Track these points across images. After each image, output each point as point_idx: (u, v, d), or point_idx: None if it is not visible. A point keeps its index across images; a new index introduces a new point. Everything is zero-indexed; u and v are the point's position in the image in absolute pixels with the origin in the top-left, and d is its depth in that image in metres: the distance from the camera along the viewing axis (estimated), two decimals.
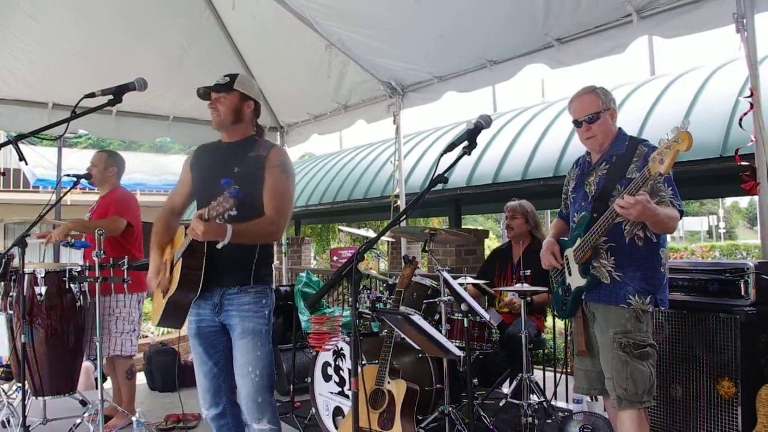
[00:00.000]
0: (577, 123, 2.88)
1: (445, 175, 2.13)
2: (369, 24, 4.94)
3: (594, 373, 2.86)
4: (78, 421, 3.88)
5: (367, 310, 4.14)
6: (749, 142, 3.27)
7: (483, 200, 9.14)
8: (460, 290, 3.51)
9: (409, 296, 3.87)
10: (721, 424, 2.97)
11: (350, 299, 2.21)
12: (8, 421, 3.85)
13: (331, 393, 3.91)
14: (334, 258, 13.18)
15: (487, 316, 3.66)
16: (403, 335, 2.90)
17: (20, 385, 3.38)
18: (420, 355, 3.83)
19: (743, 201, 44.70)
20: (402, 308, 3.71)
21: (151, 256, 2.83)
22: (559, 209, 3.27)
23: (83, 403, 4.04)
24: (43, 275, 3.73)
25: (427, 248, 3.86)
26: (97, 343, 3.64)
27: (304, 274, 5.88)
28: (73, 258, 5.93)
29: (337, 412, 3.85)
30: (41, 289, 3.72)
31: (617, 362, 2.66)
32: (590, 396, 3.58)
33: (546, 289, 3.51)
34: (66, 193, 4.67)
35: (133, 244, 4.21)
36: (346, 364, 3.83)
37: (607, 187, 2.76)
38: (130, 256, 3.85)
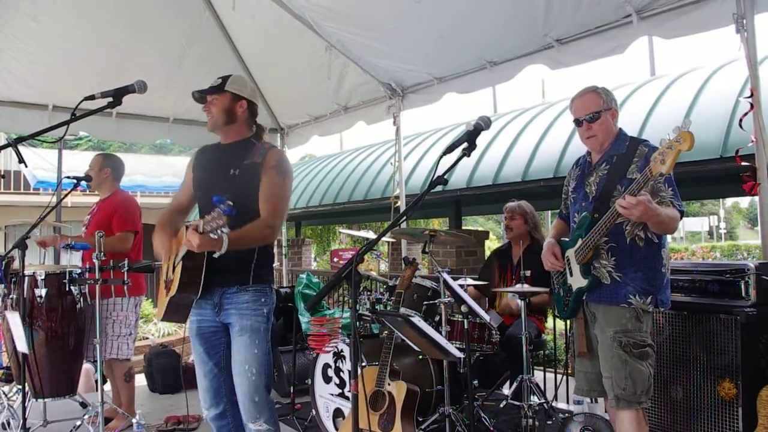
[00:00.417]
0: (577, 122, 2.89)
1: (445, 176, 2.13)
2: (369, 25, 4.94)
3: (594, 375, 2.86)
4: (78, 423, 3.89)
5: (367, 312, 4.14)
6: (749, 143, 3.26)
7: (483, 201, 9.13)
8: (460, 292, 3.51)
9: (410, 298, 3.87)
10: (721, 426, 2.96)
11: (350, 301, 2.20)
12: (8, 423, 3.85)
13: (332, 395, 3.90)
14: (335, 259, 13.18)
15: (487, 317, 3.66)
16: (403, 337, 2.89)
17: (20, 387, 3.38)
18: (420, 357, 3.82)
19: (744, 201, 44.73)
20: (402, 310, 3.71)
21: (156, 236, 2.81)
22: (559, 210, 3.27)
23: (83, 405, 4.04)
24: (43, 277, 3.74)
25: (427, 249, 3.86)
26: (97, 345, 3.64)
27: (304, 276, 5.87)
28: (73, 260, 5.93)
29: (338, 413, 3.85)
30: (41, 291, 3.72)
31: (617, 361, 2.66)
32: (590, 398, 3.57)
33: (546, 289, 3.51)
34: (66, 195, 4.68)
35: (132, 248, 4.21)
36: (347, 366, 3.83)
37: (607, 187, 2.76)
38: (129, 258, 3.85)
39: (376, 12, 4.77)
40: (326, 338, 3.84)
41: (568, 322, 3.19)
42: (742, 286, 2.99)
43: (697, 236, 40.92)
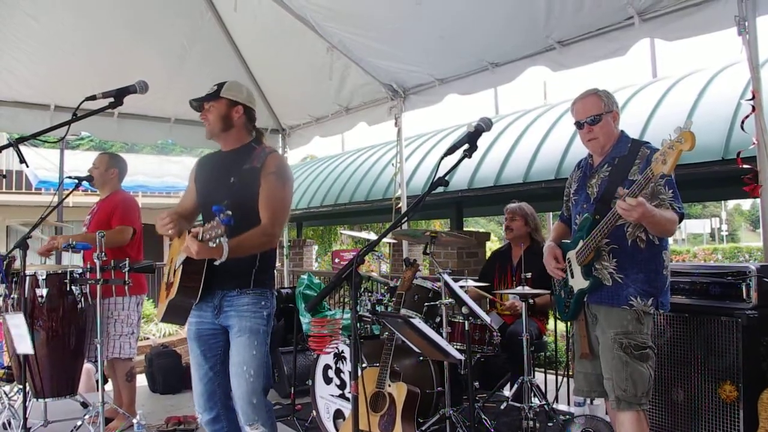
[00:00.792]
0: (578, 124, 2.89)
1: (446, 178, 2.13)
2: (370, 26, 4.94)
3: (594, 376, 2.86)
4: (79, 423, 3.88)
5: (367, 313, 4.14)
6: (751, 145, 3.26)
7: (484, 203, 9.14)
8: (461, 293, 3.50)
9: (410, 299, 3.86)
10: (722, 428, 2.96)
11: (351, 302, 2.20)
12: (9, 423, 3.85)
13: (332, 396, 3.90)
14: (336, 260, 13.19)
15: (488, 319, 3.66)
16: (403, 338, 2.89)
17: (21, 387, 3.38)
18: (421, 358, 3.82)
19: (746, 203, 44.68)
20: (403, 311, 3.71)
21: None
22: (560, 212, 3.26)
23: (84, 405, 4.04)
24: (44, 277, 3.74)
25: (428, 251, 3.86)
26: (98, 345, 3.64)
27: (305, 277, 5.88)
28: (74, 260, 5.93)
29: (338, 414, 3.85)
30: (42, 291, 3.72)
31: (617, 363, 2.66)
32: (590, 398, 3.57)
33: (546, 291, 3.51)
34: (68, 195, 4.69)
35: (132, 247, 4.21)
36: (347, 367, 3.82)
37: (609, 189, 2.76)
38: (130, 258, 3.85)
39: (377, 13, 4.77)
40: (327, 339, 3.84)
41: (569, 323, 3.19)
42: (744, 289, 2.98)
43: (699, 238, 40.90)
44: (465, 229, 11.42)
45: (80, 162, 12.12)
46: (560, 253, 2.95)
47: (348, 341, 3.82)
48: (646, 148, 2.75)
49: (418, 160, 9.44)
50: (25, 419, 3.26)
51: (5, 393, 4.12)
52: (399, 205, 5.85)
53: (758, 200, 3.27)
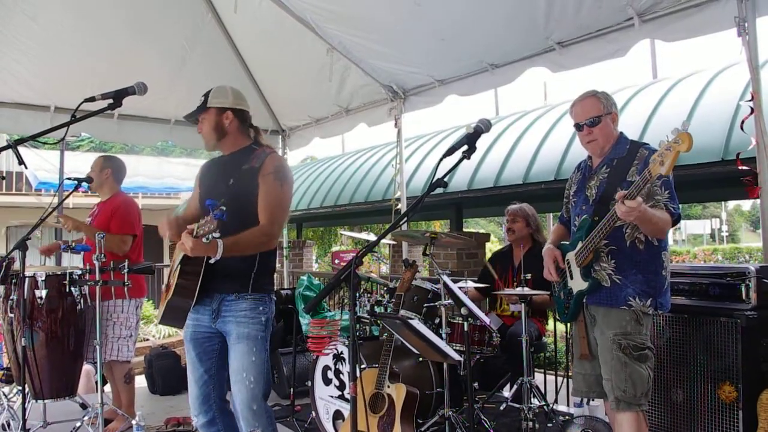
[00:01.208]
0: (578, 126, 2.89)
1: (445, 179, 2.12)
2: (370, 27, 4.94)
3: (593, 377, 2.86)
4: (78, 424, 3.89)
5: (366, 315, 4.14)
6: (750, 146, 3.26)
7: (484, 204, 9.14)
8: (461, 294, 3.50)
9: (410, 300, 3.86)
10: (722, 429, 2.95)
11: (349, 303, 2.20)
12: (8, 425, 3.84)
13: (331, 397, 3.90)
14: (336, 261, 13.20)
15: (487, 320, 3.66)
16: (402, 340, 2.89)
17: (20, 388, 3.37)
18: (420, 359, 3.82)
19: (746, 204, 44.68)
20: (402, 312, 3.71)
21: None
22: (560, 214, 3.26)
23: (83, 406, 4.04)
24: (43, 278, 3.74)
25: (428, 252, 3.86)
26: (97, 347, 3.64)
27: (305, 278, 5.88)
28: (74, 262, 5.93)
29: (338, 415, 3.85)
30: (42, 293, 3.72)
31: (616, 363, 2.66)
32: (588, 398, 3.57)
33: (546, 292, 3.51)
34: (68, 197, 4.69)
35: (132, 250, 4.20)
36: (346, 368, 3.82)
37: (608, 190, 2.76)
38: (129, 260, 3.85)
39: (377, 14, 4.77)
40: (325, 340, 3.84)
41: (569, 324, 3.19)
42: (743, 290, 2.98)
43: (699, 239, 40.90)
44: (465, 230, 11.43)
45: (80, 163, 12.11)
46: (559, 255, 2.95)
47: (347, 342, 3.81)
48: (644, 149, 2.76)
49: (418, 161, 9.44)
50: (25, 420, 3.25)
51: (4, 394, 4.11)
52: (399, 206, 5.85)
53: (758, 201, 3.27)
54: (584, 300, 2.84)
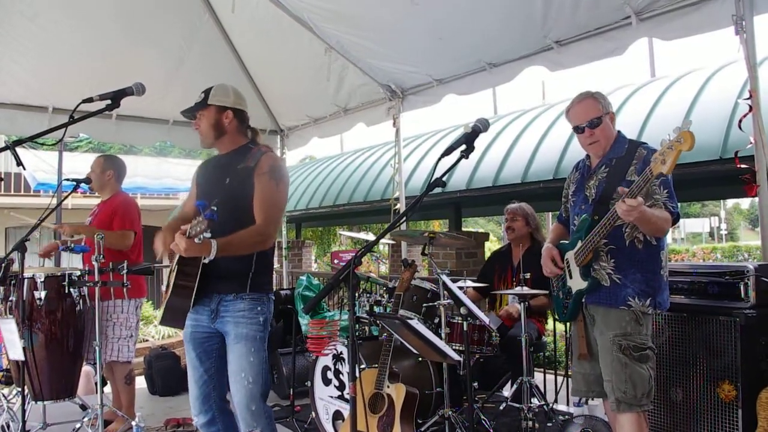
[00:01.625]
0: (578, 129, 2.87)
1: (443, 178, 2.12)
2: (368, 27, 4.94)
3: (592, 376, 2.85)
4: (78, 425, 3.88)
5: (365, 315, 4.13)
6: (748, 144, 3.26)
7: (483, 203, 9.14)
8: (460, 294, 3.50)
9: (409, 300, 3.86)
10: (721, 428, 2.96)
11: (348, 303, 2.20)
12: (8, 426, 3.84)
13: (331, 397, 3.90)
14: (335, 261, 13.19)
15: (486, 319, 3.66)
16: (401, 340, 2.89)
17: (20, 389, 3.37)
18: (420, 359, 3.82)
19: (745, 202, 44.74)
20: (401, 312, 3.71)
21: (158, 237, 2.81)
22: (558, 213, 3.26)
23: (83, 407, 4.03)
24: (42, 280, 3.73)
25: (426, 251, 3.86)
26: (97, 348, 3.64)
27: (304, 278, 5.87)
28: (72, 263, 5.92)
29: (337, 416, 3.85)
30: (41, 294, 3.71)
31: (617, 365, 2.66)
32: (588, 398, 3.57)
33: (545, 292, 3.51)
34: (66, 197, 4.69)
35: (132, 250, 4.20)
36: (346, 368, 3.82)
37: (607, 189, 2.76)
38: (129, 261, 3.85)
39: (375, 13, 4.77)
40: (325, 341, 3.83)
41: (568, 324, 3.19)
42: (742, 288, 2.98)
43: (698, 237, 40.93)
44: (464, 229, 11.43)
45: (79, 164, 12.12)
46: (558, 254, 2.95)
47: (346, 342, 3.81)
48: (643, 148, 2.75)
49: (416, 161, 9.44)
50: (24, 422, 3.25)
51: (4, 396, 4.11)
52: (397, 206, 5.85)
53: (756, 199, 3.27)
54: (583, 299, 2.84)
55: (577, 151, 3.02)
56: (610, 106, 2.87)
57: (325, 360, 3.95)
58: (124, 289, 3.78)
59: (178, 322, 2.76)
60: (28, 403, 3.71)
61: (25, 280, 3.66)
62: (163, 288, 2.84)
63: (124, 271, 3.71)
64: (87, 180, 4.28)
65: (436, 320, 3.82)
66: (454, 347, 3.62)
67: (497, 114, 10.88)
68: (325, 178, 11.82)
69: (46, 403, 3.86)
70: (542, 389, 4.37)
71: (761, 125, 3.23)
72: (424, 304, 3.87)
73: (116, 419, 4.22)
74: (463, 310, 3.41)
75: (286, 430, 4.25)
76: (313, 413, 4.04)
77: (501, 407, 4.10)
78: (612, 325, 2.69)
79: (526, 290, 3.76)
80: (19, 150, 2.42)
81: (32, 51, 5.15)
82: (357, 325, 4.27)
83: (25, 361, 3.37)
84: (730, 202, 43.79)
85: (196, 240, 2.29)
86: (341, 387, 3.84)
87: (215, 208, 2.24)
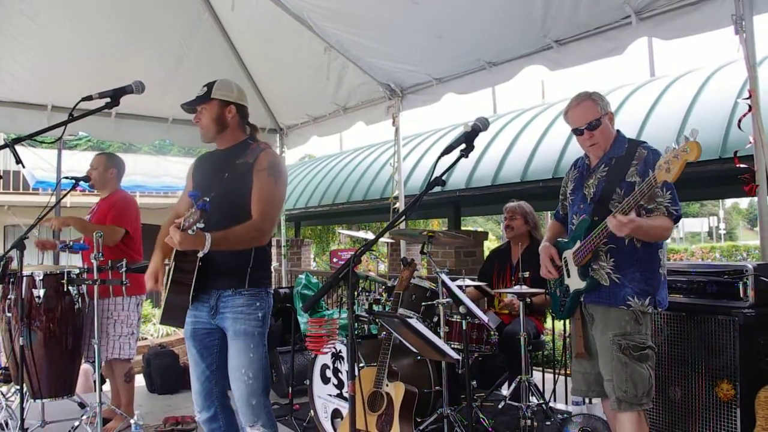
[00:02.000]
0: (578, 131, 2.87)
1: (443, 177, 2.12)
2: (368, 26, 4.94)
3: (592, 376, 2.86)
4: (76, 423, 3.88)
5: (364, 313, 4.13)
6: (748, 144, 3.26)
7: (482, 202, 9.13)
8: (459, 292, 3.50)
9: (408, 298, 3.86)
10: (719, 427, 2.96)
11: (348, 302, 2.20)
12: (6, 424, 3.84)
13: (330, 395, 3.90)
14: (334, 260, 13.18)
15: (485, 318, 3.66)
16: (400, 338, 2.89)
17: (18, 387, 3.37)
18: (418, 357, 3.82)
19: (743, 202, 44.77)
20: (400, 310, 3.71)
21: (152, 257, 2.82)
22: (555, 211, 3.26)
23: (82, 405, 4.04)
24: (41, 278, 3.73)
25: (425, 250, 3.86)
26: (96, 346, 3.64)
27: (303, 276, 5.87)
28: (71, 261, 5.92)
29: (336, 414, 3.85)
30: (40, 292, 3.72)
31: (617, 364, 2.66)
32: (588, 397, 3.58)
33: (544, 290, 3.51)
34: (65, 195, 4.68)
35: (131, 248, 4.20)
36: (345, 367, 3.82)
37: (606, 189, 2.76)
38: (128, 258, 3.85)
39: (374, 12, 4.76)
40: (324, 339, 3.83)
41: (567, 322, 3.19)
42: (741, 287, 2.98)
43: (696, 237, 40.94)
44: (463, 228, 11.43)
45: (78, 162, 12.10)
46: (556, 253, 2.95)
47: (345, 341, 3.81)
48: (643, 148, 2.75)
49: (415, 160, 9.44)
50: (23, 420, 3.25)
51: (2, 394, 4.11)
52: (397, 205, 5.85)
53: (755, 199, 3.27)
54: (582, 299, 2.84)
55: (577, 150, 3.02)
56: (608, 106, 2.86)
57: (324, 358, 3.96)
58: (123, 287, 3.77)
59: (178, 319, 2.76)
60: (27, 401, 3.70)
61: (24, 278, 3.66)
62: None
63: (123, 269, 3.71)
64: (86, 178, 4.27)
65: (435, 319, 3.82)
66: (452, 346, 3.62)
67: (496, 113, 10.88)
68: (324, 176, 11.82)
69: (44, 401, 3.87)
70: (541, 388, 4.38)
71: (761, 125, 3.23)
72: (423, 303, 3.87)
73: (115, 417, 4.22)
74: (462, 309, 3.42)
75: (285, 428, 4.25)
76: (311, 412, 4.04)
77: (500, 406, 4.10)
78: (611, 325, 2.70)
79: (525, 288, 3.76)
80: (18, 148, 2.41)
81: (32, 49, 5.15)
82: (356, 324, 4.28)
83: (23, 359, 3.37)
84: (729, 202, 43.85)
85: (190, 232, 2.29)
86: (340, 385, 3.84)
87: (207, 199, 2.24)
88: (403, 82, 5.60)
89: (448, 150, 2.16)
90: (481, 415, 3.88)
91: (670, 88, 6.89)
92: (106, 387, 4.60)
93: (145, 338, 10.00)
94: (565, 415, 4.04)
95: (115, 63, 5.36)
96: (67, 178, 4.20)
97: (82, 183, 4.26)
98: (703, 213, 43.00)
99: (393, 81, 5.60)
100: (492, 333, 3.83)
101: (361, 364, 3.59)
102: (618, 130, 2.90)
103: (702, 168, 5.42)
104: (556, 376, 4.86)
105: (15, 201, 15.80)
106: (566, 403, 4.56)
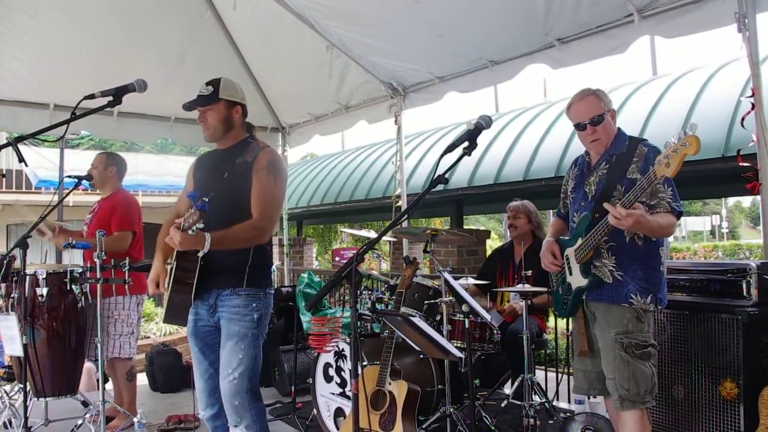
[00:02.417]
0: (580, 126, 2.86)
1: (446, 175, 2.12)
2: (370, 24, 4.94)
3: (594, 374, 2.85)
4: (80, 422, 3.89)
5: (367, 312, 4.14)
6: (751, 142, 3.26)
7: (484, 201, 9.14)
8: (461, 291, 3.50)
9: (411, 297, 3.86)
10: (723, 425, 2.95)
11: (351, 300, 2.20)
12: (10, 423, 3.85)
13: (333, 394, 3.90)
14: (336, 258, 13.19)
15: (488, 317, 3.66)
16: (403, 337, 2.89)
17: (22, 386, 3.38)
18: (421, 356, 3.82)
19: (746, 201, 44.68)
20: (403, 309, 3.71)
21: (154, 260, 2.83)
22: (557, 209, 3.26)
23: (85, 404, 4.04)
24: (44, 276, 3.74)
25: (428, 249, 3.86)
26: (98, 345, 3.64)
27: (305, 275, 5.87)
28: (74, 259, 5.93)
29: (339, 413, 3.85)
30: (43, 291, 3.72)
31: (619, 363, 2.65)
32: (589, 395, 3.57)
33: (546, 289, 3.50)
34: (68, 194, 4.68)
35: (133, 247, 4.20)
36: (348, 365, 3.82)
37: (607, 187, 2.75)
38: (130, 257, 3.85)
39: (376, 11, 4.76)
40: (327, 338, 3.84)
41: (569, 320, 3.19)
42: (744, 286, 2.98)
43: (699, 236, 40.88)
44: (465, 226, 11.43)
45: (80, 161, 12.14)
46: (558, 249, 2.94)
47: (348, 339, 3.81)
48: (643, 146, 2.75)
49: (418, 158, 9.45)
50: (26, 418, 3.25)
51: (6, 392, 4.12)
52: (399, 203, 5.85)
53: (758, 197, 3.27)
54: (584, 296, 2.84)
55: (579, 148, 3.01)
56: (611, 103, 2.86)
57: (327, 357, 3.96)
58: (126, 286, 3.78)
59: (181, 318, 2.77)
60: (30, 399, 3.72)
61: (27, 277, 3.67)
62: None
63: (126, 268, 3.72)
64: (88, 177, 4.28)
65: (438, 317, 3.82)
66: (455, 344, 3.62)
67: (499, 112, 10.88)
68: (326, 175, 11.83)
69: (47, 399, 3.88)
70: (543, 387, 4.38)
71: (764, 123, 3.22)
72: (426, 302, 3.87)
73: (118, 416, 4.23)
74: (464, 308, 3.41)
75: (287, 427, 4.26)
76: (314, 410, 4.05)
77: (502, 404, 4.10)
78: (613, 323, 2.69)
79: (527, 287, 3.76)
80: (20, 147, 2.42)
81: (33, 48, 5.15)
82: (359, 322, 4.27)
83: (26, 357, 3.38)
84: (732, 200, 43.75)
85: (190, 232, 2.30)
86: (343, 384, 3.84)
87: (206, 199, 2.24)
88: (405, 81, 5.60)
89: (450, 148, 2.16)
90: (483, 414, 3.88)
91: (673, 87, 6.88)
92: (110, 386, 4.61)
93: (148, 337, 10.00)
94: (568, 414, 4.04)
95: (116, 61, 5.37)
96: (69, 176, 4.20)
97: (84, 182, 4.27)
98: (706, 212, 42.94)
99: (395, 79, 5.60)
100: (495, 332, 3.83)
101: (363, 363, 3.59)
102: (619, 128, 2.89)
103: (705, 166, 5.42)
104: (559, 374, 4.86)
105: (18, 200, 15.84)
106: (569, 402, 4.55)
